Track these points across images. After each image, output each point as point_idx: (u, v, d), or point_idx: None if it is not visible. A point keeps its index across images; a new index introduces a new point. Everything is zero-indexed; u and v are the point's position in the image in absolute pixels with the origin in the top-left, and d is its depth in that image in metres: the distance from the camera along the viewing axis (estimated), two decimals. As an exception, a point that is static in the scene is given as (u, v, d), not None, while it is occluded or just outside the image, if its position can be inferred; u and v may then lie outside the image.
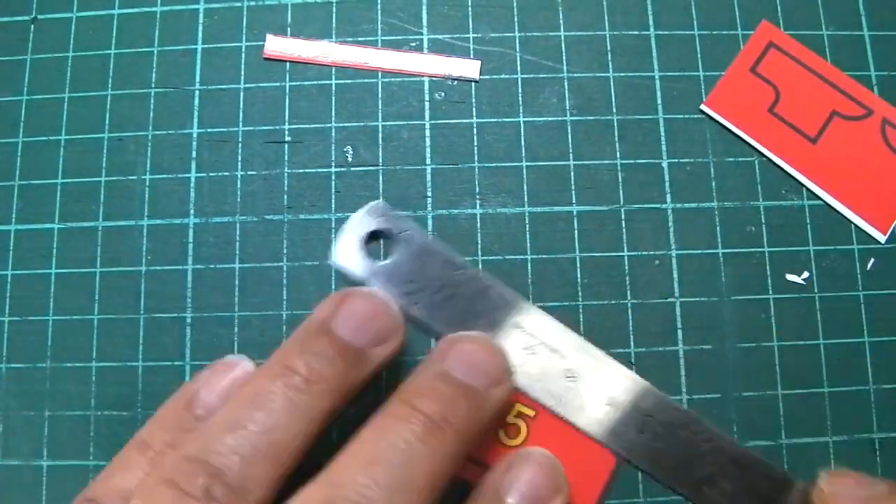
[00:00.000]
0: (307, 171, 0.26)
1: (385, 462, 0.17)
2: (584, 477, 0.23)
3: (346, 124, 0.26)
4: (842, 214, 0.25)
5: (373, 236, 0.24)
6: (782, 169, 0.25)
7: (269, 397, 0.18)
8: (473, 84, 0.26)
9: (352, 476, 0.17)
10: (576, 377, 0.23)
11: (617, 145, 0.26)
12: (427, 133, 0.26)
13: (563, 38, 0.27)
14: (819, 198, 0.25)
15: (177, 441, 0.19)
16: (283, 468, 0.17)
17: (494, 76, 0.26)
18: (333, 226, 0.25)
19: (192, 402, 0.20)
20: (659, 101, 0.26)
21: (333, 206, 0.25)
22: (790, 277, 0.24)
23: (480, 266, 0.25)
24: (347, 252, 0.24)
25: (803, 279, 0.24)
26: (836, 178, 0.25)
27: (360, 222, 0.24)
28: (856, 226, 0.25)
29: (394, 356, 0.20)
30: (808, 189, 0.25)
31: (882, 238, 0.25)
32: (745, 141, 0.26)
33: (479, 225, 0.25)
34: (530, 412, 0.23)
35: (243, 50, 0.27)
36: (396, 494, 0.16)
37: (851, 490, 0.21)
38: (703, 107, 0.26)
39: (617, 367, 0.24)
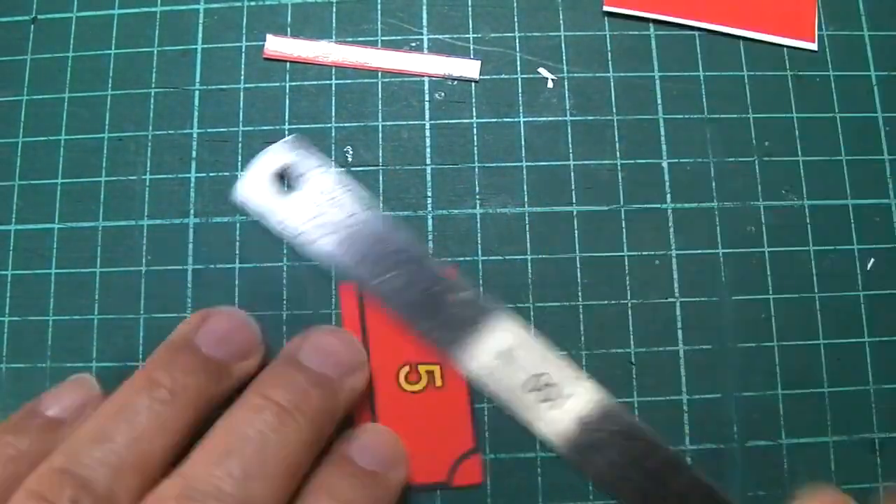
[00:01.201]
0: (307, 171, 0.26)
1: (238, 452, 0.17)
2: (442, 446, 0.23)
3: (346, 124, 0.26)
4: (770, 43, 0.26)
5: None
6: (693, 28, 0.26)
7: (135, 409, 0.18)
8: (473, 84, 0.26)
9: (205, 469, 0.17)
10: (544, 390, 0.23)
11: (617, 145, 0.26)
12: (427, 133, 0.26)
13: (563, 38, 0.27)
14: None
15: (16, 442, 0.19)
16: (150, 479, 0.17)
17: (494, 76, 0.26)
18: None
19: (35, 409, 0.21)
20: (659, 101, 0.26)
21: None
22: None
23: (481, 266, 0.25)
24: (252, 186, 0.24)
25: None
26: (745, 12, 0.26)
27: (269, 157, 0.24)
28: (787, 48, 0.26)
29: (255, 371, 0.21)
30: (723, 30, 0.26)
31: (814, 46, 0.26)
32: (652, 20, 0.26)
33: (479, 225, 0.25)
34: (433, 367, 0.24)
35: (243, 50, 0.27)
36: (251, 483, 0.17)
37: None
38: (605, 7, 0.27)
39: (587, 383, 0.24)
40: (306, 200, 0.24)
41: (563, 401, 0.23)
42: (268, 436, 0.18)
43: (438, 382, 0.24)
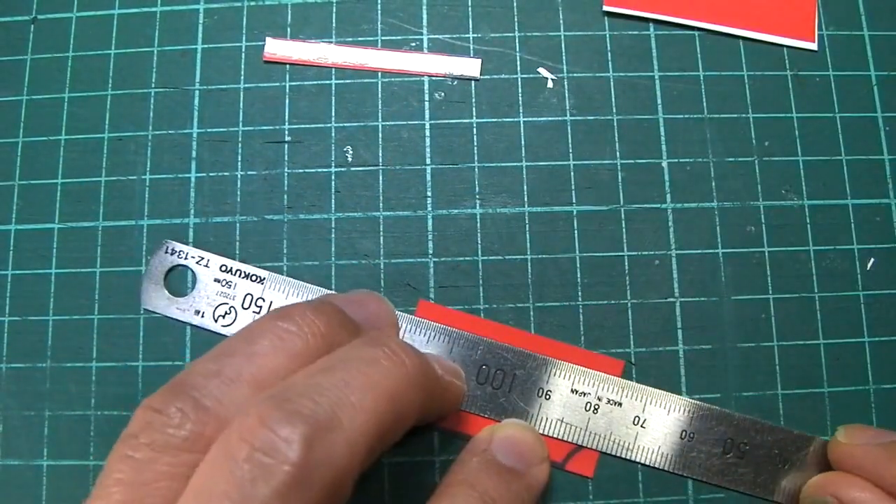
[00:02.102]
0: (307, 171, 0.26)
1: (340, 368, 0.17)
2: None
3: (345, 124, 0.26)
4: (770, 43, 0.26)
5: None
6: (693, 28, 0.25)
7: (260, 334, 0.18)
8: (473, 84, 0.26)
9: (305, 380, 0.17)
10: (644, 422, 0.23)
11: (617, 145, 0.26)
12: (427, 133, 0.26)
13: (563, 38, 0.27)
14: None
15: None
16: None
17: (494, 76, 0.26)
18: (333, 225, 0.25)
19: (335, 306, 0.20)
20: (659, 101, 0.26)
21: (333, 206, 0.25)
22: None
23: (481, 266, 0.25)
24: (149, 296, 0.25)
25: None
26: (745, 12, 0.26)
27: (154, 266, 0.25)
28: (787, 48, 0.26)
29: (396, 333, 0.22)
30: (723, 28, 0.26)
31: (814, 46, 0.26)
32: (652, 20, 0.26)
33: (479, 225, 0.25)
34: None
35: (243, 50, 0.27)
36: (352, 391, 0.16)
37: (867, 438, 0.21)
38: (605, 7, 0.27)
39: (671, 398, 0.24)
40: (205, 292, 0.24)
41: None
42: (375, 363, 0.18)
43: None
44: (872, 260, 0.25)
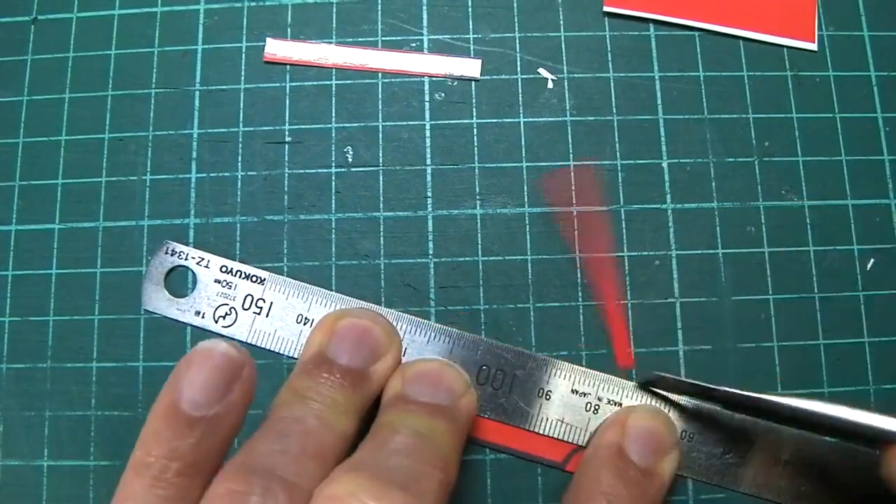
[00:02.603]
0: (307, 171, 0.26)
1: (402, 451, 0.18)
2: None
3: (346, 125, 0.26)
4: (770, 43, 0.26)
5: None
6: (693, 28, 0.25)
7: (299, 414, 0.19)
8: (473, 84, 0.26)
9: (371, 455, 0.18)
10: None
11: (617, 145, 0.26)
12: (427, 133, 0.26)
13: (563, 38, 0.27)
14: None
15: (175, 452, 0.17)
16: (329, 467, 0.17)
17: (494, 76, 0.26)
18: (333, 226, 0.25)
19: (179, 405, 0.18)
20: (659, 101, 0.26)
21: (333, 206, 0.25)
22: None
23: (481, 266, 0.25)
24: (150, 297, 0.25)
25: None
26: (745, 12, 0.26)
27: (154, 267, 0.25)
28: (787, 48, 0.26)
29: (393, 368, 0.21)
30: (711, 31, 0.26)
31: (814, 46, 0.26)
32: (652, 20, 0.26)
33: (479, 225, 0.25)
34: None
35: (243, 50, 0.27)
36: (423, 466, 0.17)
37: None
38: (605, 7, 0.27)
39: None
40: (205, 293, 0.24)
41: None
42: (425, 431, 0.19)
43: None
44: (872, 260, 0.25)
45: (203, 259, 0.25)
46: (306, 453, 0.17)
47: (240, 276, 0.24)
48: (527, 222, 0.25)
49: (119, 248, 0.25)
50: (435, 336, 0.24)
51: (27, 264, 0.25)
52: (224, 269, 0.25)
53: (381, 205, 0.25)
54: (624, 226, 0.25)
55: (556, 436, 0.23)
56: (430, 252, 0.25)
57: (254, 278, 0.24)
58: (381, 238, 0.25)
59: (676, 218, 0.25)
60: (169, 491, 0.17)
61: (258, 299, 0.24)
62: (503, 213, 0.25)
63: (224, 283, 0.24)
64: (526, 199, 0.25)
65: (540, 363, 0.24)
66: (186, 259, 0.25)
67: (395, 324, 0.23)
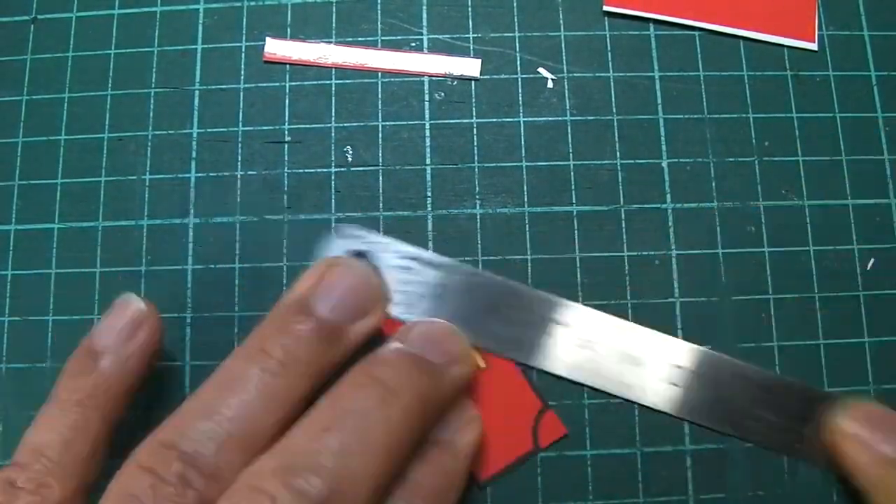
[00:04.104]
0: (307, 171, 0.26)
1: (339, 428, 0.17)
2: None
3: (345, 124, 0.26)
4: (770, 43, 0.26)
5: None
6: (693, 28, 0.25)
7: (244, 381, 0.18)
8: (473, 84, 0.26)
9: (304, 443, 0.17)
10: (638, 361, 0.24)
11: (617, 145, 0.26)
12: (427, 133, 0.26)
13: (563, 38, 0.27)
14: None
15: (77, 385, 0.20)
16: (256, 453, 0.17)
17: (494, 76, 0.26)
18: (333, 226, 0.25)
19: (90, 342, 0.21)
20: (659, 101, 0.26)
21: (333, 206, 0.25)
22: None
23: (481, 266, 0.25)
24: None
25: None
26: (745, 12, 0.26)
27: (335, 248, 0.24)
28: (787, 48, 0.26)
29: (376, 330, 0.20)
30: (711, 29, 0.26)
31: (814, 46, 0.26)
32: (652, 20, 0.26)
33: (479, 225, 0.25)
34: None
35: (243, 50, 0.27)
36: (350, 459, 0.16)
37: (870, 419, 0.21)
38: (605, 7, 0.27)
39: (671, 341, 0.24)
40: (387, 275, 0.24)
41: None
42: (371, 413, 0.17)
43: (482, 364, 0.23)
44: (872, 260, 0.25)
45: (382, 242, 0.24)
46: (233, 436, 0.17)
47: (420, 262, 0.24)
48: (527, 222, 0.25)
49: (119, 248, 0.25)
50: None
51: (27, 264, 0.25)
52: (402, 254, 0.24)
53: (381, 204, 0.25)
54: (624, 226, 0.25)
55: (563, 375, 0.24)
56: (430, 249, 0.25)
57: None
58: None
59: (676, 218, 0.25)
60: (69, 418, 0.19)
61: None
62: (503, 212, 0.25)
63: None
64: (526, 199, 0.25)
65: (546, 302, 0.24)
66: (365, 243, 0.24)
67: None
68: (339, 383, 0.19)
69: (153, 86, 0.27)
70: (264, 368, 0.18)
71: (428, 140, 0.26)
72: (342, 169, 0.26)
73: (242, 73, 0.27)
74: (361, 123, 0.26)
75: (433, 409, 0.19)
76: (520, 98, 0.26)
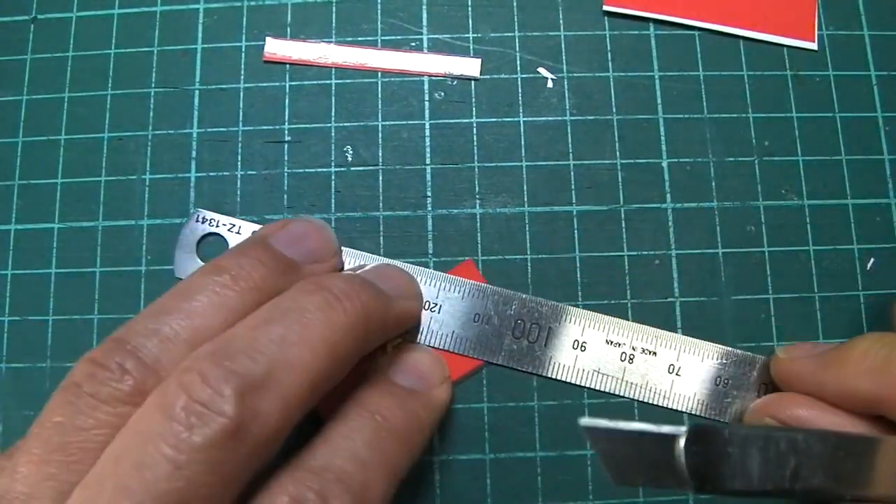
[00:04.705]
0: (307, 171, 0.26)
1: (279, 321, 0.17)
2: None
3: (345, 124, 0.26)
4: (770, 43, 0.26)
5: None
6: (693, 28, 0.25)
7: (195, 289, 0.19)
8: (473, 83, 0.26)
9: (243, 332, 0.17)
10: (679, 370, 0.24)
11: (617, 145, 0.26)
12: (427, 133, 0.26)
13: (563, 38, 0.27)
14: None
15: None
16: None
17: (494, 76, 0.26)
18: (333, 225, 0.25)
19: (267, 245, 0.21)
20: (659, 101, 0.26)
21: (333, 206, 0.25)
22: None
23: (480, 266, 0.25)
24: (183, 266, 0.25)
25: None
26: (745, 12, 0.27)
27: (185, 235, 0.25)
28: (787, 48, 0.26)
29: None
30: (712, 29, 0.25)
31: (814, 46, 0.26)
32: (652, 20, 0.27)
33: (479, 225, 0.25)
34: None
35: (243, 50, 0.27)
36: (289, 347, 0.17)
37: (805, 351, 0.22)
38: (605, 7, 0.27)
39: (706, 346, 0.24)
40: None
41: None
42: (313, 313, 0.18)
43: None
44: (872, 260, 0.25)
45: (234, 225, 0.25)
46: (179, 334, 0.18)
47: None
48: (527, 222, 0.25)
49: (119, 247, 0.25)
50: (469, 292, 0.24)
51: (27, 264, 0.25)
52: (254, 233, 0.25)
53: (381, 204, 0.25)
54: (624, 226, 0.25)
55: (592, 386, 0.24)
56: (430, 252, 0.25)
57: None
58: (381, 237, 0.25)
59: (676, 217, 0.25)
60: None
61: None
62: (503, 212, 0.25)
63: None
64: (526, 199, 0.25)
65: (574, 315, 0.24)
66: (217, 226, 0.25)
67: (430, 281, 0.24)
68: (288, 290, 0.19)
69: (153, 86, 0.27)
70: (217, 280, 0.19)
71: (428, 140, 0.26)
72: (342, 169, 0.26)
73: (242, 73, 0.27)
74: (361, 123, 0.26)
75: (376, 328, 0.20)
76: (520, 98, 0.26)
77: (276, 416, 0.16)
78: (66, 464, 0.16)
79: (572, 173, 0.26)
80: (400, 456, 0.19)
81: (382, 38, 0.27)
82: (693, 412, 0.23)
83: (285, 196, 0.25)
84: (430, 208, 0.25)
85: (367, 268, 0.23)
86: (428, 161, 0.26)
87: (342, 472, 0.17)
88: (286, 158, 0.26)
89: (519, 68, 0.26)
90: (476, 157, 0.26)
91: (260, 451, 0.16)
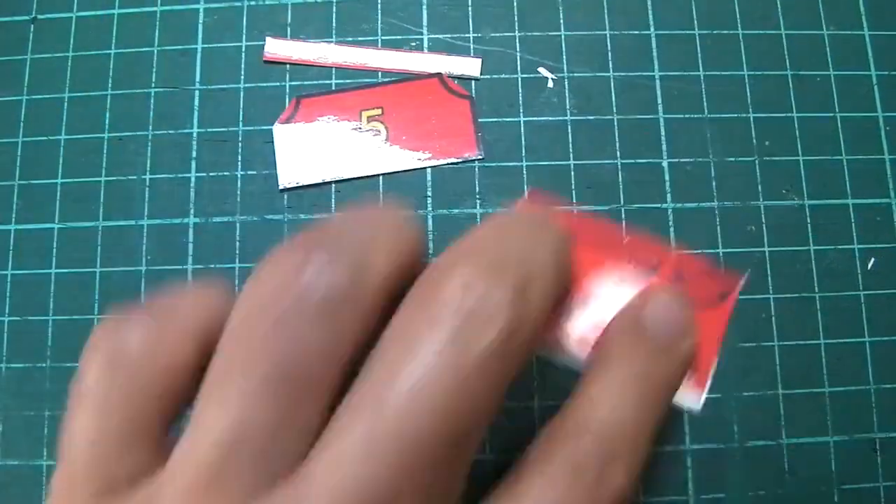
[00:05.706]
0: (307, 170, 0.26)
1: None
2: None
3: (346, 124, 0.26)
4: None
5: None
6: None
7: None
8: (473, 83, 0.26)
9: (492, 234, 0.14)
10: None
11: (617, 145, 0.26)
12: (427, 133, 0.26)
13: (563, 38, 0.27)
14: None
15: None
16: None
17: (494, 75, 0.26)
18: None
19: None
20: (659, 101, 0.26)
21: (333, 206, 0.25)
22: None
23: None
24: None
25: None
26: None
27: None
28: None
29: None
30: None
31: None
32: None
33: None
34: None
35: (243, 50, 0.27)
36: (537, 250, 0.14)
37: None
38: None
39: None
40: None
41: None
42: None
43: None
44: (873, 260, 0.25)
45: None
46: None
47: None
48: (527, 222, 0.25)
49: (119, 247, 0.25)
50: None
51: (27, 264, 0.25)
52: None
53: (381, 204, 0.25)
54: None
55: None
56: (431, 252, 0.25)
57: None
58: (381, 238, 0.25)
59: (676, 218, 0.25)
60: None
61: None
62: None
63: None
64: (525, 199, 0.25)
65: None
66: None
67: None
68: None
69: (153, 86, 0.27)
70: None
71: (428, 140, 0.26)
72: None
73: (242, 72, 0.27)
74: (361, 123, 0.26)
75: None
76: (520, 97, 0.26)
77: (541, 313, 0.14)
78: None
79: (572, 173, 0.26)
80: (659, 421, 0.16)
81: (382, 38, 0.27)
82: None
83: (285, 196, 0.25)
84: (429, 208, 0.25)
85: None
86: (428, 161, 0.26)
87: (614, 438, 0.15)
88: (286, 158, 0.26)
89: (519, 68, 0.26)
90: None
91: (528, 356, 0.13)
